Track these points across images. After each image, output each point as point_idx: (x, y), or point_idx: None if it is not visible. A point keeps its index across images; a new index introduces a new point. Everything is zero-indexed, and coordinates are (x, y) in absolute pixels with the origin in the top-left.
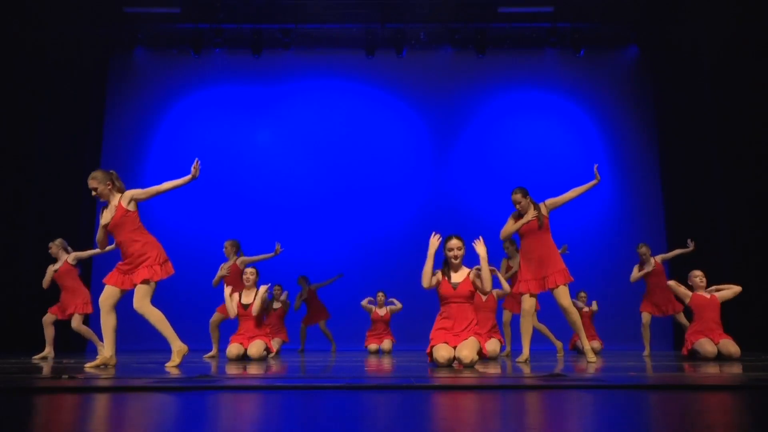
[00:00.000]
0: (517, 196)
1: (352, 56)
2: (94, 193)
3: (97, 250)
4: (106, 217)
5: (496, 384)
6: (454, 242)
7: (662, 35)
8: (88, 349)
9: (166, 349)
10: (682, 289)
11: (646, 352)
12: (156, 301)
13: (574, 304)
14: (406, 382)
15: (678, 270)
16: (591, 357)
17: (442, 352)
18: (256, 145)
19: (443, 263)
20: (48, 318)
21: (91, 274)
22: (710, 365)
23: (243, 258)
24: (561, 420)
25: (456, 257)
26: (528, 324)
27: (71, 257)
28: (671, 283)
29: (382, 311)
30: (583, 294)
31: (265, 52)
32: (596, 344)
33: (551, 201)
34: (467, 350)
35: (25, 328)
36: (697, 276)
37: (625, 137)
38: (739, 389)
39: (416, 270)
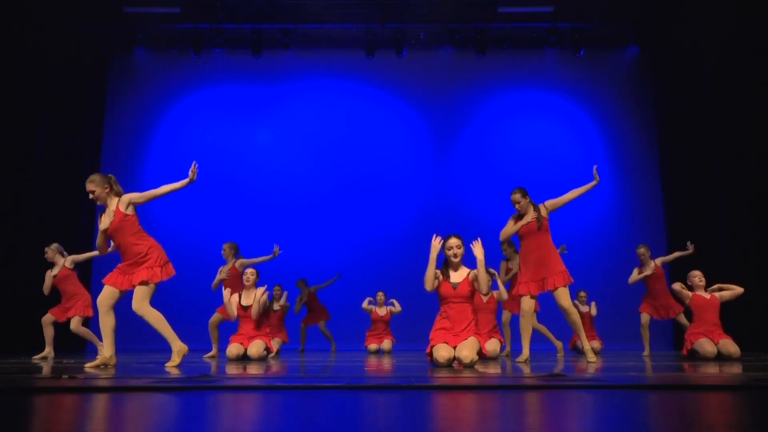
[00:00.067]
0: (516, 196)
1: (352, 56)
2: (91, 196)
3: (95, 253)
4: (104, 222)
5: (496, 384)
6: (453, 241)
7: (662, 35)
8: (88, 349)
9: (166, 349)
10: (685, 292)
11: (646, 352)
12: (156, 301)
13: (575, 306)
14: (406, 382)
15: (678, 272)
16: (591, 357)
17: (442, 352)
18: (256, 145)
19: (443, 263)
20: (47, 318)
21: (91, 276)
22: (710, 365)
23: (241, 260)
24: (561, 420)
25: (456, 256)
26: (527, 324)
27: (68, 261)
28: (676, 288)
29: (382, 311)
30: (583, 294)
31: (265, 52)
32: (596, 344)
33: (551, 202)
34: (467, 350)
35: (25, 328)
36: (696, 276)
37: (625, 137)
38: (739, 389)
39: (416, 270)
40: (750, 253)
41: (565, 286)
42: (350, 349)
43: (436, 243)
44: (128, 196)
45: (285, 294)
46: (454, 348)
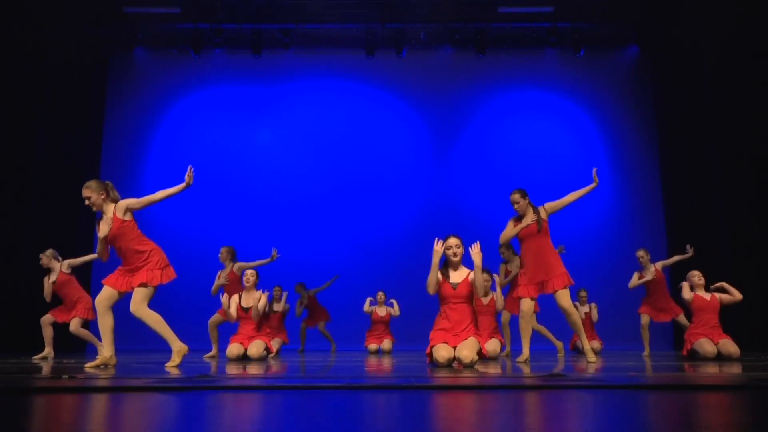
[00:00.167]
0: (516, 197)
1: (352, 56)
2: (87, 202)
3: (93, 256)
4: (103, 229)
5: (496, 384)
6: (452, 241)
7: (662, 35)
8: (88, 350)
9: (166, 349)
10: (689, 296)
11: (646, 352)
12: (156, 301)
13: (575, 306)
14: (406, 382)
15: (678, 275)
16: (591, 357)
17: (442, 352)
18: (256, 145)
19: (443, 264)
20: (46, 319)
21: (91, 278)
22: (710, 365)
23: (239, 264)
24: (561, 420)
25: (455, 255)
26: (527, 325)
27: (64, 266)
28: (685, 295)
29: (382, 311)
30: (583, 293)
31: (265, 52)
32: (596, 344)
33: (550, 205)
34: (467, 350)
35: (25, 328)
36: (696, 275)
37: (625, 137)
38: (739, 389)
39: (416, 270)
40: (750, 253)
41: (565, 288)
42: (350, 349)
43: (438, 248)
44: (125, 202)
45: (285, 294)
46: (454, 348)
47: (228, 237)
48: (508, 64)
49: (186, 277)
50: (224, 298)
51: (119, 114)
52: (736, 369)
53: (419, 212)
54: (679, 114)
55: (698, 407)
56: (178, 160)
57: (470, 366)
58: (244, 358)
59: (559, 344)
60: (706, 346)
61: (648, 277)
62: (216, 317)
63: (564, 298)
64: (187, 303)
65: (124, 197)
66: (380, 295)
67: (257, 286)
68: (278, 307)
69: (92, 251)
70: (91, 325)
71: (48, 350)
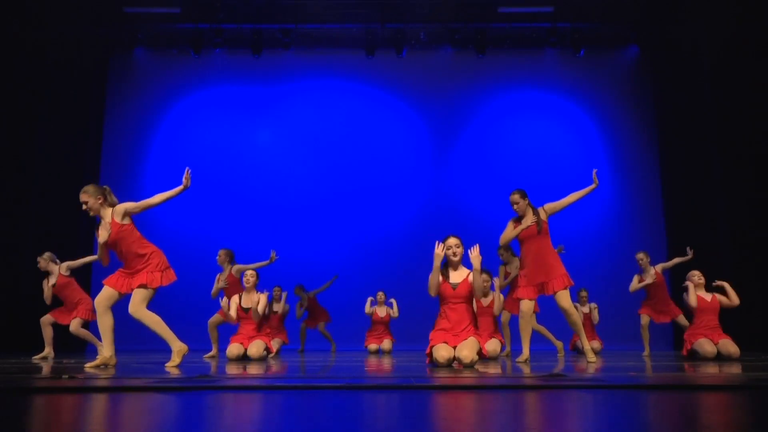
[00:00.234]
0: (515, 197)
1: (352, 56)
2: (84, 207)
3: (91, 258)
4: (103, 235)
5: (496, 384)
6: (452, 240)
7: (662, 35)
8: (88, 350)
9: (166, 349)
10: (694, 303)
11: (646, 353)
12: (156, 302)
13: (575, 306)
14: (406, 382)
15: (678, 277)
16: (591, 357)
17: (442, 352)
18: (256, 145)
19: (443, 264)
20: (46, 319)
21: (91, 279)
22: (710, 365)
23: (237, 266)
24: (561, 420)
25: (455, 255)
26: (527, 325)
27: (63, 268)
28: (690, 299)
29: (382, 312)
30: (584, 293)
31: (265, 52)
32: (596, 344)
33: (550, 206)
34: (467, 350)
35: (25, 328)
36: (695, 275)
37: (625, 137)
38: (739, 389)
39: (416, 270)
40: (750, 253)
41: (565, 288)
42: (350, 349)
43: (439, 251)
44: (123, 206)
45: (284, 294)
46: (454, 348)
47: (228, 237)
48: (508, 64)
49: (186, 277)
50: (224, 301)
51: (119, 114)
52: (736, 369)
53: (419, 212)
54: (679, 114)
55: (698, 407)
56: (178, 160)
57: (470, 366)
58: (244, 358)
59: (559, 344)
60: (705, 346)
61: (648, 280)
62: (216, 317)
63: (564, 298)
64: (187, 303)
65: (124, 197)
66: (380, 295)
67: (257, 286)
68: (278, 307)
69: (92, 252)
70: (91, 325)
71: (48, 350)
